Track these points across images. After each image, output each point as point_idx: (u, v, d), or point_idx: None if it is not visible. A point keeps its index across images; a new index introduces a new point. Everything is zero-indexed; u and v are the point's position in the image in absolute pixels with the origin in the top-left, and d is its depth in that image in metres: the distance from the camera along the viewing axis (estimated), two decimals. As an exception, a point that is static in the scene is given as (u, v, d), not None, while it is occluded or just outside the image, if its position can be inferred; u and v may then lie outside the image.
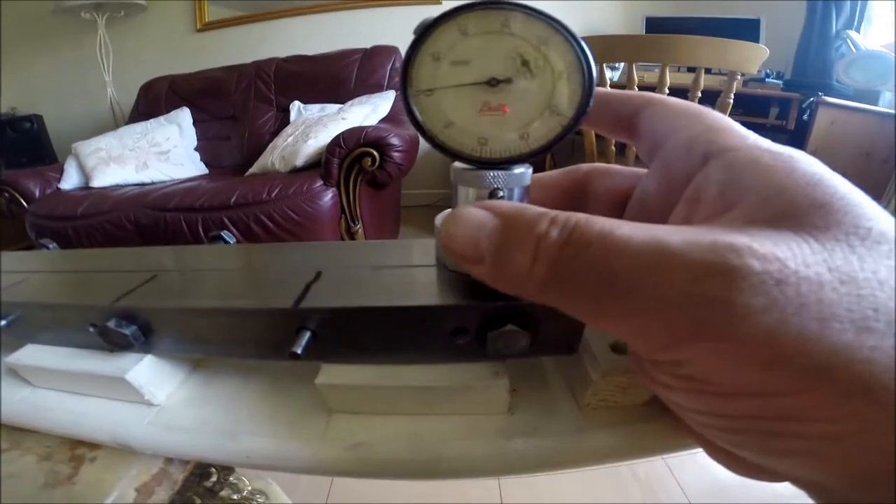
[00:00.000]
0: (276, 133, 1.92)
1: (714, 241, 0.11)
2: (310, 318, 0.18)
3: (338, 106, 1.86)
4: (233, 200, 1.43)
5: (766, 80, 2.00)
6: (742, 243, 0.11)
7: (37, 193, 1.70)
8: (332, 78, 2.03)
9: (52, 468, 0.23)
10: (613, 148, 1.39)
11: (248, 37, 2.38)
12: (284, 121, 1.99)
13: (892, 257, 0.11)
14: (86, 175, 1.78)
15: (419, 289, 0.19)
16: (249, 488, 0.36)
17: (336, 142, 1.42)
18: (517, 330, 0.17)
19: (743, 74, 1.23)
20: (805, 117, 1.80)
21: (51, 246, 0.34)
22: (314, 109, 1.94)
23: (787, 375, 0.10)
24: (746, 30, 2.02)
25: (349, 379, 0.20)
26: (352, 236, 1.52)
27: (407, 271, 0.21)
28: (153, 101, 2.19)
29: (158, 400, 0.22)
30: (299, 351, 0.17)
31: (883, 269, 0.10)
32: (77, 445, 0.23)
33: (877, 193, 1.60)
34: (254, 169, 1.76)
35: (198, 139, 2.14)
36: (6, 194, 1.68)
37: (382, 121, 1.76)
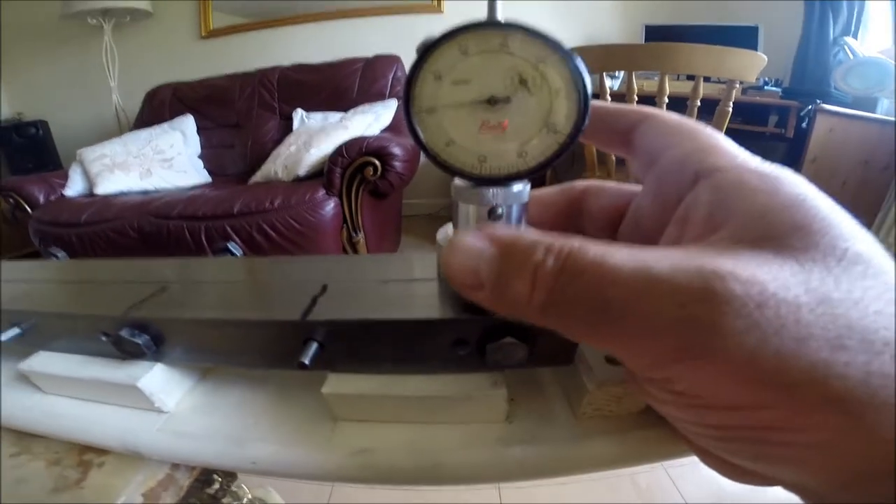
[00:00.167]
0: (279, 141, 1.93)
1: (700, 266, 0.11)
2: (317, 329, 0.19)
3: (340, 114, 1.88)
4: (236, 209, 1.43)
5: (765, 87, 2.01)
6: (726, 269, 0.11)
7: (41, 199, 1.71)
8: (335, 86, 2.04)
9: (61, 473, 0.23)
10: (614, 158, 1.39)
11: (252, 44, 2.41)
12: (287, 129, 2.01)
13: (866, 277, 0.11)
14: (90, 181, 1.80)
15: (422, 302, 0.19)
16: (249, 496, 0.36)
17: (338, 151, 1.43)
18: (515, 342, 0.17)
19: (742, 82, 1.23)
20: (804, 125, 1.81)
21: (59, 255, 0.34)
22: (317, 118, 1.96)
23: (767, 390, 0.11)
24: (745, 37, 2.03)
25: (354, 388, 0.20)
26: (353, 246, 1.52)
27: (410, 285, 0.21)
28: (158, 107, 2.21)
29: (168, 407, 0.23)
30: (307, 361, 0.18)
31: (857, 289, 0.11)
32: (85, 451, 0.24)
33: (876, 201, 1.60)
34: (257, 177, 1.77)
35: (201, 147, 2.15)
36: (11, 200, 1.68)
37: (384, 130, 1.77)
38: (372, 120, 1.76)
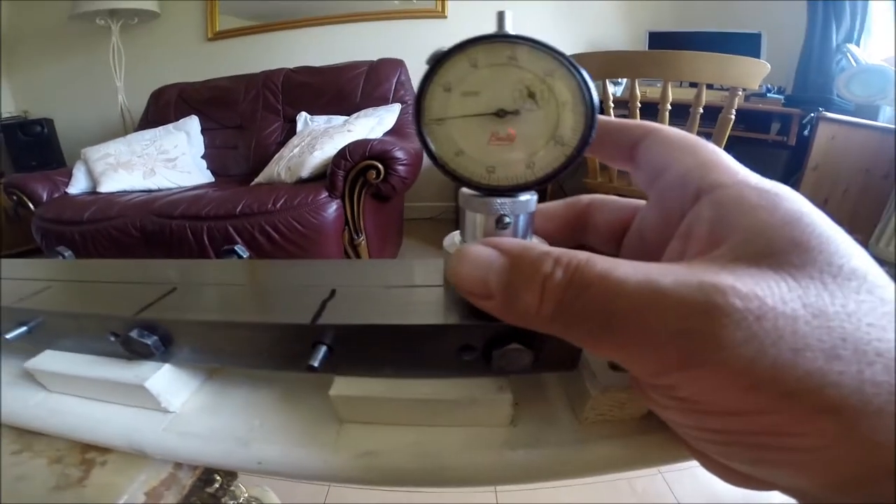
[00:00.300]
0: (282, 143, 1.94)
1: (702, 281, 0.12)
2: (325, 333, 0.19)
3: (344, 118, 1.89)
4: (238, 210, 1.44)
5: (768, 95, 2.02)
6: (726, 283, 0.12)
7: (44, 197, 1.71)
8: (339, 89, 2.05)
9: (63, 471, 0.23)
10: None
11: (257, 47, 2.42)
12: (291, 131, 2.01)
13: (860, 292, 0.12)
14: (94, 180, 1.80)
15: (429, 308, 0.20)
16: (246, 495, 0.36)
17: (342, 154, 1.44)
18: (521, 348, 0.18)
19: (744, 90, 1.24)
20: (806, 133, 1.81)
21: (66, 254, 0.35)
22: (320, 121, 1.96)
23: (765, 397, 0.11)
24: (748, 44, 2.04)
25: (361, 391, 0.20)
26: (355, 248, 1.53)
27: (417, 290, 0.22)
28: (163, 108, 2.22)
29: (174, 407, 0.23)
30: (316, 364, 0.18)
31: (852, 302, 0.12)
32: (88, 449, 0.24)
33: (877, 209, 1.61)
34: (260, 178, 1.78)
35: (205, 147, 2.16)
36: (14, 197, 1.69)
37: (387, 133, 1.78)
38: (375, 123, 1.77)
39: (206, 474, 0.28)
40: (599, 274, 0.13)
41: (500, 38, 0.16)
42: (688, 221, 0.15)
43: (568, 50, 0.16)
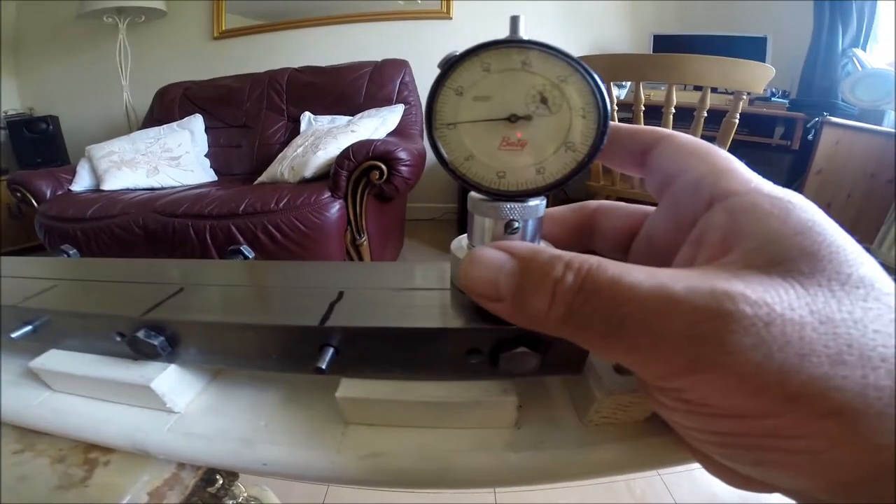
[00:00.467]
0: (285, 143, 1.94)
1: (713, 287, 0.12)
2: (333, 335, 0.19)
3: (347, 118, 1.89)
4: (241, 209, 1.44)
5: (772, 99, 2.01)
6: (737, 290, 0.12)
7: (48, 194, 1.71)
8: (343, 90, 2.06)
9: (66, 471, 0.23)
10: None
11: (263, 46, 2.43)
12: (295, 131, 2.02)
13: (867, 300, 0.12)
14: (97, 178, 1.81)
15: (436, 311, 0.20)
16: (245, 494, 0.36)
17: (345, 154, 1.44)
18: (528, 352, 0.18)
19: (749, 93, 1.24)
20: (810, 137, 1.81)
21: (71, 252, 0.35)
22: (324, 121, 1.97)
23: (771, 400, 0.12)
24: (753, 48, 2.04)
25: (367, 393, 0.20)
26: (357, 249, 1.53)
27: (424, 293, 0.22)
28: (167, 106, 2.23)
29: (179, 408, 0.23)
30: (324, 366, 0.18)
31: (859, 309, 0.12)
32: (91, 449, 0.24)
33: (881, 213, 1.60)
34: (263, 178, 1.78)
35: (209, 146, 2.16)
36: (18, 194, 1.70)
37: (390, 134, 1.78)
38: (379, 124, 1.77)
39: (208, 474, 0.28)
40: (610, 278, 0.13)
41: (513, 42, 0.16)
42: (700, 228, 0.15)
43: (572, 52, 0.16)
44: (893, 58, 1.72)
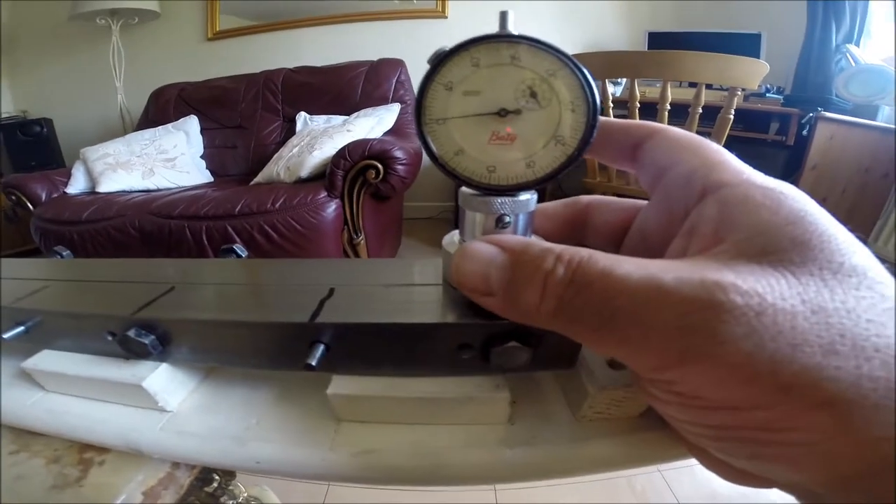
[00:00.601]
0: (281, 143, 1.94)
1: (703, 277, 0.12)
2: (324, 332, 0.19)
3: (343, 118, 1.89)
4: (237, 209, 1.44)
5: (767, 95, 2.02)
6: (728, 280, 0.12)
7: (43, 197, 1.71)
8: (339, 90, 2.05)
9: (61, 471, 0.23)
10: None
11: (257, 47, 2.42)
12: (290, 131, 2.01)
13: (860, 288, 0.12)
14: (93, 180, 1.80)
15: (427, 307, 0.20)
16: (245, 494, 0.36)
17: (341, 154, 1.44)
18: (519, 346, 0.18)
19: (743, 90, 1.24)
20: (805, 132, 1.82)
21: (64, 254, 0.34)
22: (320, 121, 1.96)
23: (763, 391, 0.11)
24: (747, 44, 2.04)
25: (359, 390, 0.20)
26: (354, 248, 1.53)
27: (415, 289, 0.22)
28: (162, 108, 2.22)
29: (171, 406, 0.23)
30: (314, 363, 0.18)
31: (851, 299, 0.12)
32: (86, 449, 0.24)
33: (876, 208, 1.61)
34: (259, 178, 1.78)
35: (204, 147, 2.16)
36: (13, 197, 1.69)
37: (387, 133, 1.78)
38: (375, 123, 1.77)
39: (205, 474, 0.28)
40: (601, 271, 0.13)
41: (502, 37, 0.16)
42: (692, 220, 0.15)
43: (568, 51, 0.16)
44: (893, 53, 1.72)
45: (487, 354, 0.18)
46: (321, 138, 1.66)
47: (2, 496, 0.22)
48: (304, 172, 1.60)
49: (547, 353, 0.19)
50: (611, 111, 1.41)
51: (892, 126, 1.61)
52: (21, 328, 0.23)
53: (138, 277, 0.27)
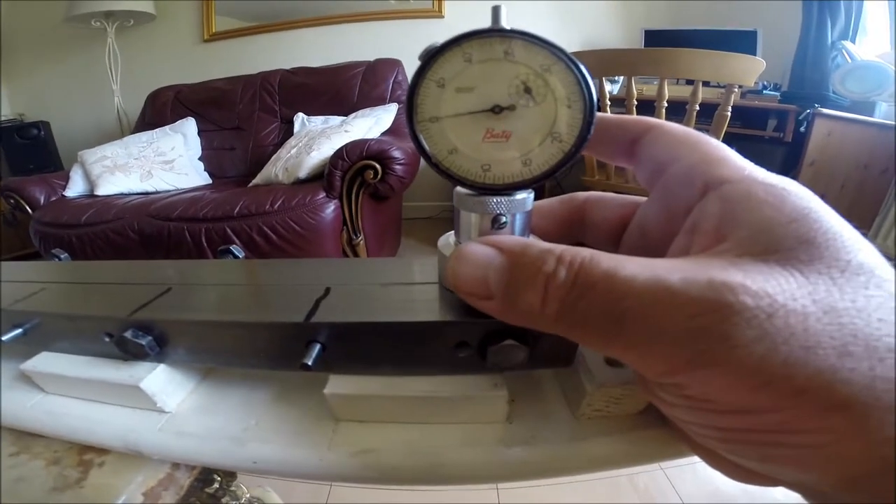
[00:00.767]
0: (279, 144, 1.93)
1: (711, 278, 0.12)
2: (320, 331, 0.19)
3: (341, 118, 1.88)
4: (236, 211, 1.44)
5: (764, 91, 2.02)
6: (736, 281, 0.12)
7: (42, 200, 1.71)
8: (336, 90, 2.05)
9: (61, 472, 0.23)
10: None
11: (254, 48, 2.42)
12: (288, 132, 2.01)
13: (869, 287, 0.12)
14: (91, 183, 1.80)
15: (424, 305, 0.20)
16: (248, 495, 0.36)
17: (339, 154, 1.44)
18: (516, 344, 0.17)
19: (740, 87, 1.24)
20: (802, 129, 1.82)
21: (62, 256, 0.34)
22: (318, 121, 1.96)
23: (776, 395, 0.11)
24: (744, 42, 2.04)
25: (356, 389, 0.20)
26: (353, 248, 1.52)
27: (411, 288, 0.21)
28: (159, 110, 2.22)
29: (170, 407, 0.23)
30: (310, 363, 0.18)
31: (861, 297, 0.11)
32: (86, 451, 0.24)
33: (874, 204, 1.61)
34: (257, 180, 1.78)
35: (202, 149, 2.15)
36: (11, 200, 1.69)
37: (385, 133, 1.77)
38: (373, 123, 1.76)
39: (205, 474, 0.28)
40: (605, 272, 0.13)
41: (495, 32, 0.15)
42: (694, 217, 0.15)
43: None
44: (890, 49, 1.72)
45: (485, 353, 0.18)
46: (319, 139, 1.65)
47: (2, 498, 0.22)
48: (303, 173, 1.59)
49: (544, 351, 0.18)
50: (608, 109, 1.41)
51: (890, 122, 1.61)
52: (19, 330, 0.23)
53: (135, 279, 0.27)
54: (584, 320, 0.13)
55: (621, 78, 2.05)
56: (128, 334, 0.20)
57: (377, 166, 1.43)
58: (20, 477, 0.23)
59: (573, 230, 0.22)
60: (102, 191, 1.75)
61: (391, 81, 2.04)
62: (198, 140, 2.15)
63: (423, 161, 0.17)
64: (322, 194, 1.45)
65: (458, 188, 0.18)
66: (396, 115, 1.87)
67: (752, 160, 0.15)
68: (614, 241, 0.20)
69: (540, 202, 0.22)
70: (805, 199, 0.13)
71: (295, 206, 1.42)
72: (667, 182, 0.17)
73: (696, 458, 0.17)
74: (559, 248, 0.14)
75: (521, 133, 0.16)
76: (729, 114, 1.24)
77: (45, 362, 0.24)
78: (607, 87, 1.47)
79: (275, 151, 1.86)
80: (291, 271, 0.27)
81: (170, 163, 1.93)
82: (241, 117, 2.16)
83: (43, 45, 2.49)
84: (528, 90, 0.16)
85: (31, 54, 2.51)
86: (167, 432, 0.22)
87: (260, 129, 2.11)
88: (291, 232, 1.42)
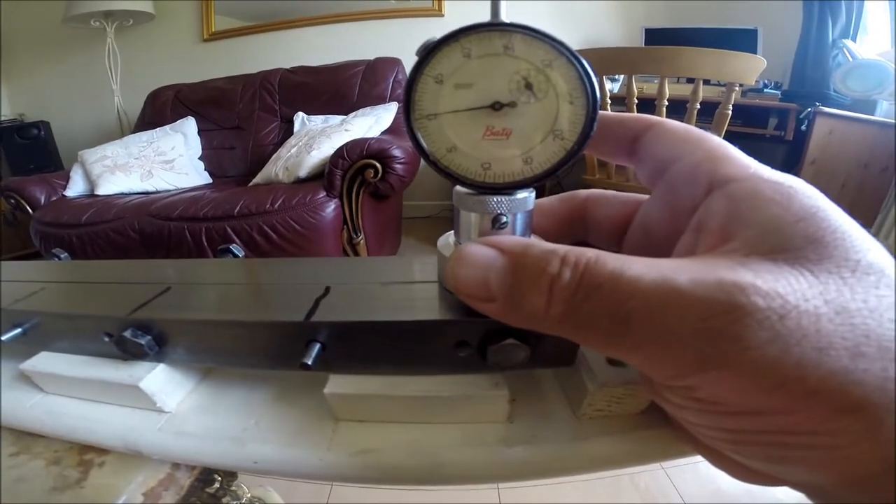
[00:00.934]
0: (279, 143, 1.93)
1: (720, 279, 0.12)
2: (319, 330, 0.19)
3: (341, 117, 1.88)
4: (236, 210, 1.44)
5: (765, 90, 2.02)
6: (747, 281, 0.11)
7: (42, 200, 1.71)
8: (336, 89, 2.05)
9: (61, 473, 0.23)
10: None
11: (254, 47, 2.42)
12: (288, 131, 2.01)
13: (879, 287, 0.12)
14: (91, 183, 1.80)
15: (424, 304, 0.19)
16: (249, 495, 0.36)
17: (339, 153, 1.43)
18: (517, 343, 0.17)
19: (741, 85, 1.24)
20: (803, 127, 1.81)
21: (62, 256, 0.34)
22: (318, 121, 1.96)
23: (789, 397, 0.11)
24: (744, 40, 2.04)
25: (356, 389, 0.20)
26: (354, 248, 1.52)
27: (411, 287, 0.21)
28: (159, 109, 2.22)
29: (169, 407, 0.23)
30: (310, 362, 0.18)
31: (872, 297, 0.11)
32: (86, 451, 0.24)
33: (875, 203, 1.61)
34: (257, 179, 1.77)
35: (202, 148, 2.16)
36: (12, 200, 1.69)
37: (385, 132, 1.77)
38: (373, 122, 1.76)
39: (206, 474, 0.28)
40: (611, 273, 0.12)
41: (494, 26, 0.15)
42: (699, 215, 0.15)
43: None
44: (890, 48, 1.72)
45: (485, 352, 0.18)
46: (319, 138, 1.65)
47: (2, 498, 0.22)
48: (303, 172, 1.59)
49: (545, 350, 0.18)
50: (609, 108, 1.41)
51: (891, 121, 1.61)
52: (19, 330, 0.23)
53: (135, 278, 0.27)
54: (590, 322, 0.13)
55: (622, 76, 2.05)
56: (127, 334, 0.20)
57: (377, 165, 1.43)
58: (20, 477, 0.23)
59: (574, 229, 0.21)
60: (103, 190, 1.75)
61: (391, 80, 2.04)
62: (198, 139, 2.15)
63: (422, 160, 0.17)
64: (322, 193, 1.45)
65: (458, 187, 0.17)
66: (396, 113, 1.87)
67: (754, 158, 0.15)
68: (616, 239, 0.20)
69: (540, 200, 0.21)
70: (812, 198, 0.13)
71: (295, 205, 1.42)
72: (670, 180, 0.16)
73: (697, 458, 0.17)
74: (562, 248, 0.13)
75: (521, 130, 0.16)
76: (730, 112, 1.24)
77: (45, 362, 0.24)
78: (608, 85, 1.47)
79: (275, 151, 1.86)
80: (291, 270, 0.27)
81: (170, 162, 1.93)
82: (241, 117, 2.16)
83: (42, 45, 2.49)
84: (528, 86, 0.15)
85: (31, 54, 2.51)
86: (167, 432, 0.22)
87: (260, 129, 2.11)
88: (292, 231, 1.42)
